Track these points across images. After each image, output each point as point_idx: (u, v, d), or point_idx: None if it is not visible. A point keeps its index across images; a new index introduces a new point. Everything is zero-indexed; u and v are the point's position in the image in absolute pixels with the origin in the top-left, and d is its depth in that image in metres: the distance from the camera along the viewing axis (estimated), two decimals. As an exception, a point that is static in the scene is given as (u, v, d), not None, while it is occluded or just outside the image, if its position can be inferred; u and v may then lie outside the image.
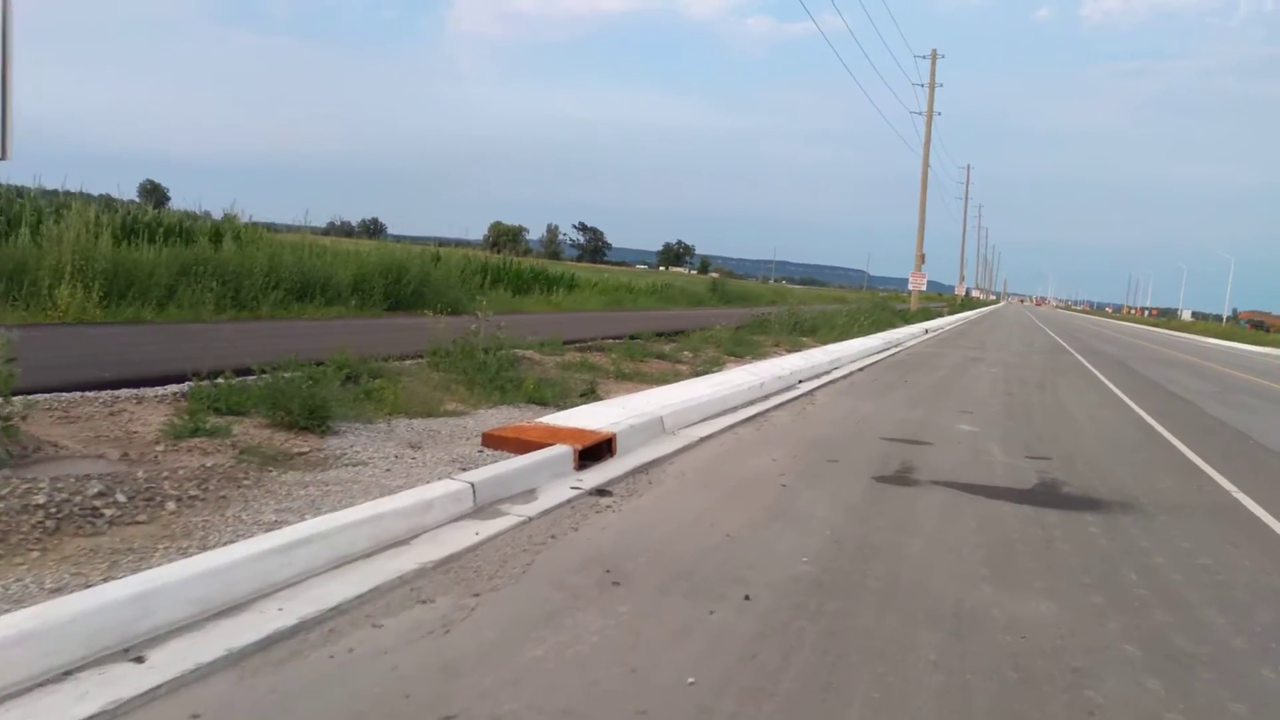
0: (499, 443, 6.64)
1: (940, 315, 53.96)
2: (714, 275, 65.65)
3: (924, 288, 52.53)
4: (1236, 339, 60.19)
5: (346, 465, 5.78)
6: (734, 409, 10.01)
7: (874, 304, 40.90)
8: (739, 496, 6.26)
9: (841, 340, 22.03)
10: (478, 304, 18.85)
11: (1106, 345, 36.61)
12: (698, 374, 12.30)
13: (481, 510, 5.19)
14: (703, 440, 8.12)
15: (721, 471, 7.03)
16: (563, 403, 8.70)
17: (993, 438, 9.78)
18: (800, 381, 13.30)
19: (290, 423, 6.45)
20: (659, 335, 17.86)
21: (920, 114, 51.93)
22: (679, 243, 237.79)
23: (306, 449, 6.07)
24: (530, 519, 5.18)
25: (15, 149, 4.75)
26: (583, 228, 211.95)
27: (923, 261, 50.74)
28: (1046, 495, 7.09)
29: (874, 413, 11.01)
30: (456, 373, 9.25)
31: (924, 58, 50.93)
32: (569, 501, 5.63)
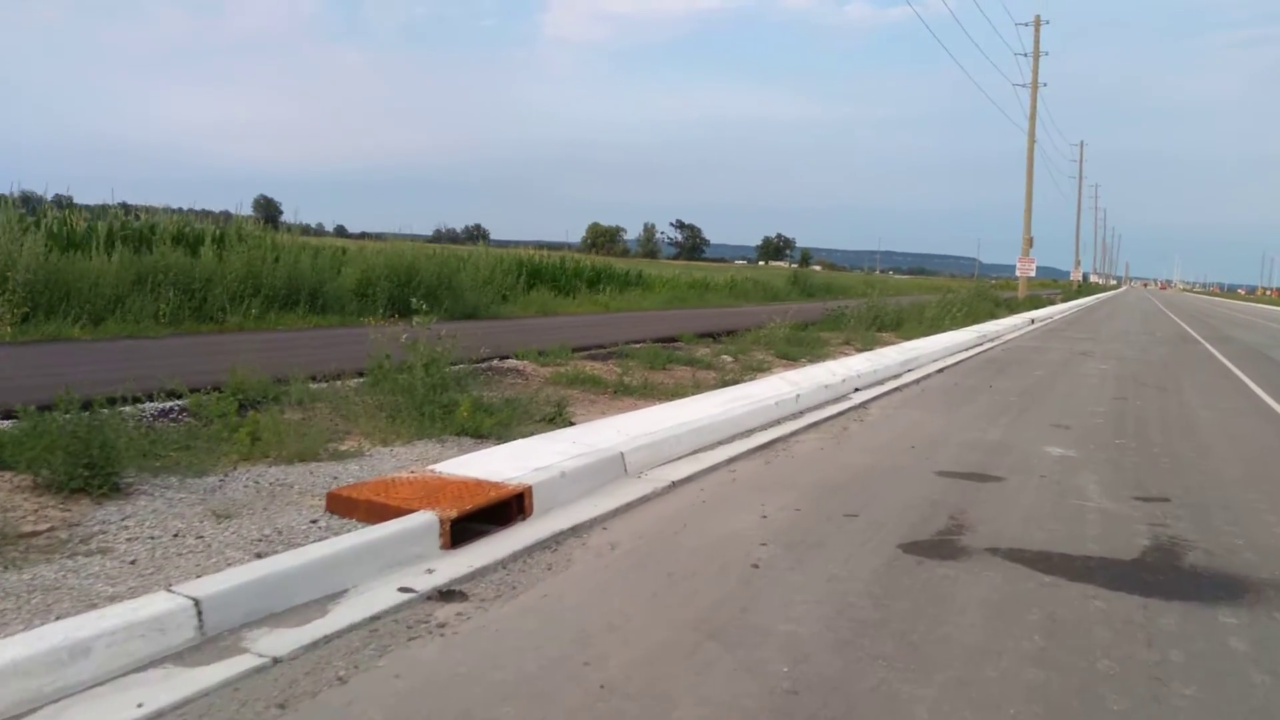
0: (347, 507, 4.71)
1: (1052, 303, 50.05)
2: (797, 267, 62.84)
3: (1033, 273, 48.80)
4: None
5: (78, 554, 3.94)
6: (748, 432, 7.86)
7: (975, 293, 37.55)
8: (674, 592, 4.17)
9: (928, 335, 19.47)
10: (505, 306, 17.10)
11: (1240, 331, 32.64)
12: (726, 384, 10.19)
13: (208, 644, 3.25)
14: (675, 485, 6.02)
15: (674, 540, 4.93)
16: (506, 433, 6.73)
17: (1091, 467, 7.37)
18: (856, 390, 11.01)
19: (61, 482, 4.65)
20: (705, 336, 15.75)
21: (1024, 86, 48.23)
22: (779, 236, 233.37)
23: (51, 525, 4.26)
24: (277, 661, 3.21)
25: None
26: (680, 225, 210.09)
27: (1031, 245, 47.08)
28: (1161, 573, 4.75)
29: (938, 432, 8.68)
30: (391, 395, 7.37)
31: (1026, 25, 47.16)
32: (377, 619, 3.64)
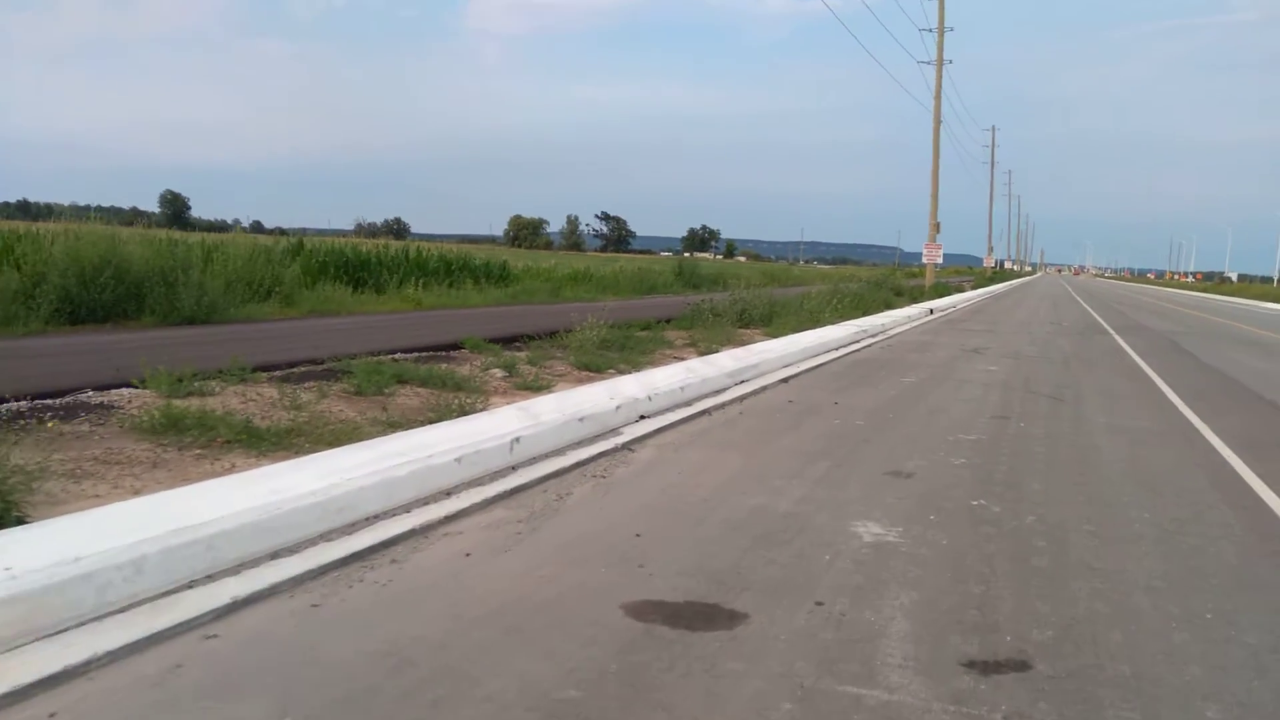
0: None
1: (960, 290, 48.14)
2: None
3: (940, 260, 46.82)
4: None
5: None
6: (363, 522, 4.71)
7: (875, 281, 35.17)
8: None
9: (800, 331, 16.63)
10: (265, 306, 13.70)
11: (1151, 318, 30.73)
12: (445, 417, 7.06)
13: None
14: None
15: None
16: None
17: (914, 571, 4.40)
18: (641, 418, 7.97)
19: None
20: (509, 341, 12.61)
21: (930, 63, 46.10)
22: (703, 228, 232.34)
23: None
24: None
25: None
26: (605, 217, 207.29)
27: (938, 231, 44.97)
28: None
29: (707, 495, 5.65)
30: None
31: (930, -1, 44.91)
32: None
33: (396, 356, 10.26)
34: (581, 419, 7.14)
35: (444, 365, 10.03)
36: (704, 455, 6.86)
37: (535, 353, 11.17)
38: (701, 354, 12.92)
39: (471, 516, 5.04)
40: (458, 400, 7.67)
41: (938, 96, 44.32)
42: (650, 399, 8.38)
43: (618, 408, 7.73)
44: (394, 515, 4.88)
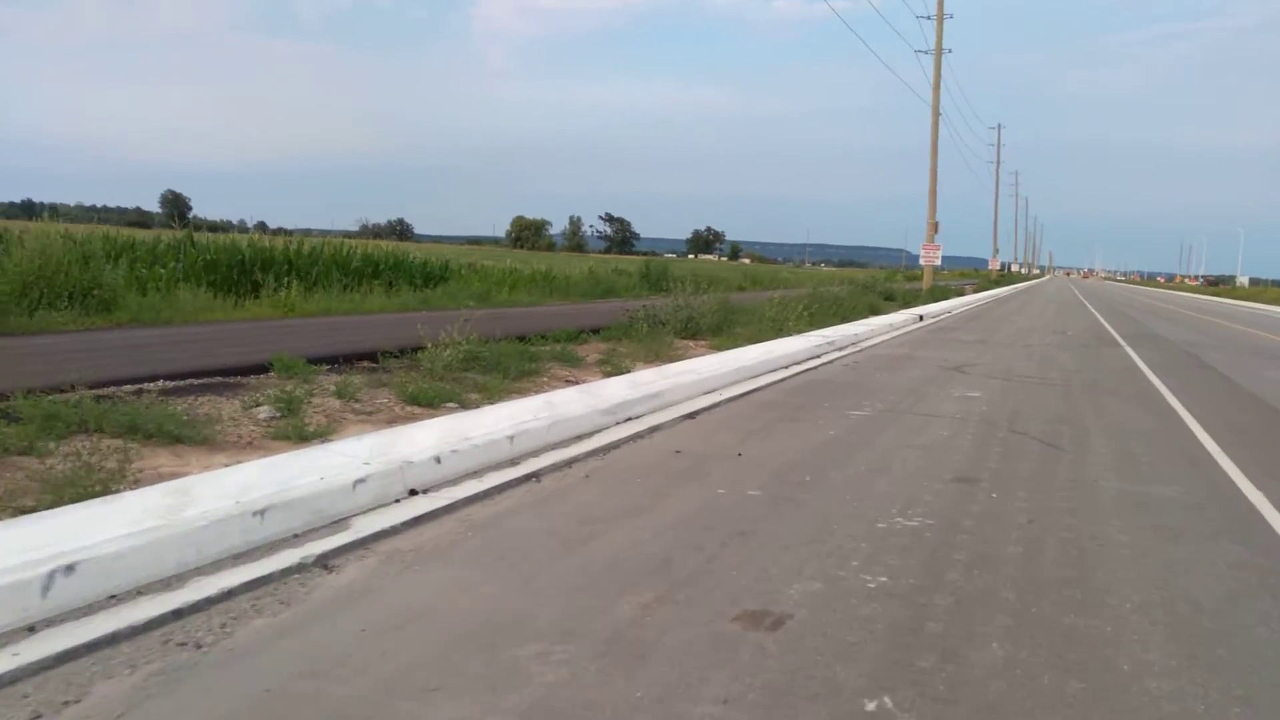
0: None
1: (961, 294, 45.27)
2: (727, 259, 57.65)
3: (938, 262, 43.98)
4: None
5: None
6: None
7: (865, 284, 32.39)
8: None
9: (751, 344, 13.92)
10: (65, 314, 11.03)
11: (1165, 326, 27.86)
12: (52, 504, 4.35)
13: None
14: None
15: None
16: None
17: None
18: (413, 491, 5.23)
19: None
20: (349, 359, 9.92)
21: (928, 53, 43.32)
22: (708, 229, 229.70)
23: None
24: None
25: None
26: (609, 219, 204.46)
27: (936, 231, 42.21)
28: None
29: (352, 704, 2.90)
30: None
31: (928, -17, 42.11)
32: None
33: (152, 385, 7.57)
34: (262, 511, 4.39)
35: (206, 397, 7.34)
36: (451, 577, 4.12)
37: (351, 379, 8.42)
38: (606, 376, 10.24)
39: None
40: (118, 467, 4.94)
41: (936, 87, 41.57)
42: (440, 460, 5.64)
43: (358, 482, 4.99)
44: None
